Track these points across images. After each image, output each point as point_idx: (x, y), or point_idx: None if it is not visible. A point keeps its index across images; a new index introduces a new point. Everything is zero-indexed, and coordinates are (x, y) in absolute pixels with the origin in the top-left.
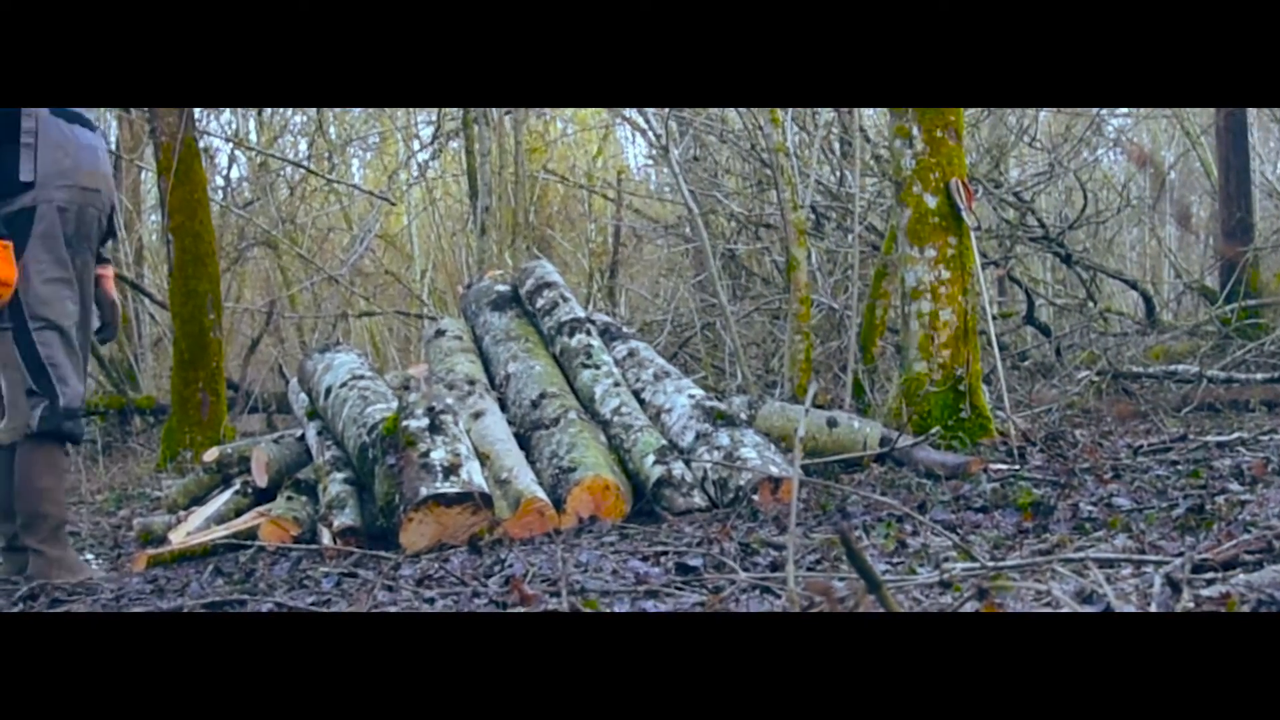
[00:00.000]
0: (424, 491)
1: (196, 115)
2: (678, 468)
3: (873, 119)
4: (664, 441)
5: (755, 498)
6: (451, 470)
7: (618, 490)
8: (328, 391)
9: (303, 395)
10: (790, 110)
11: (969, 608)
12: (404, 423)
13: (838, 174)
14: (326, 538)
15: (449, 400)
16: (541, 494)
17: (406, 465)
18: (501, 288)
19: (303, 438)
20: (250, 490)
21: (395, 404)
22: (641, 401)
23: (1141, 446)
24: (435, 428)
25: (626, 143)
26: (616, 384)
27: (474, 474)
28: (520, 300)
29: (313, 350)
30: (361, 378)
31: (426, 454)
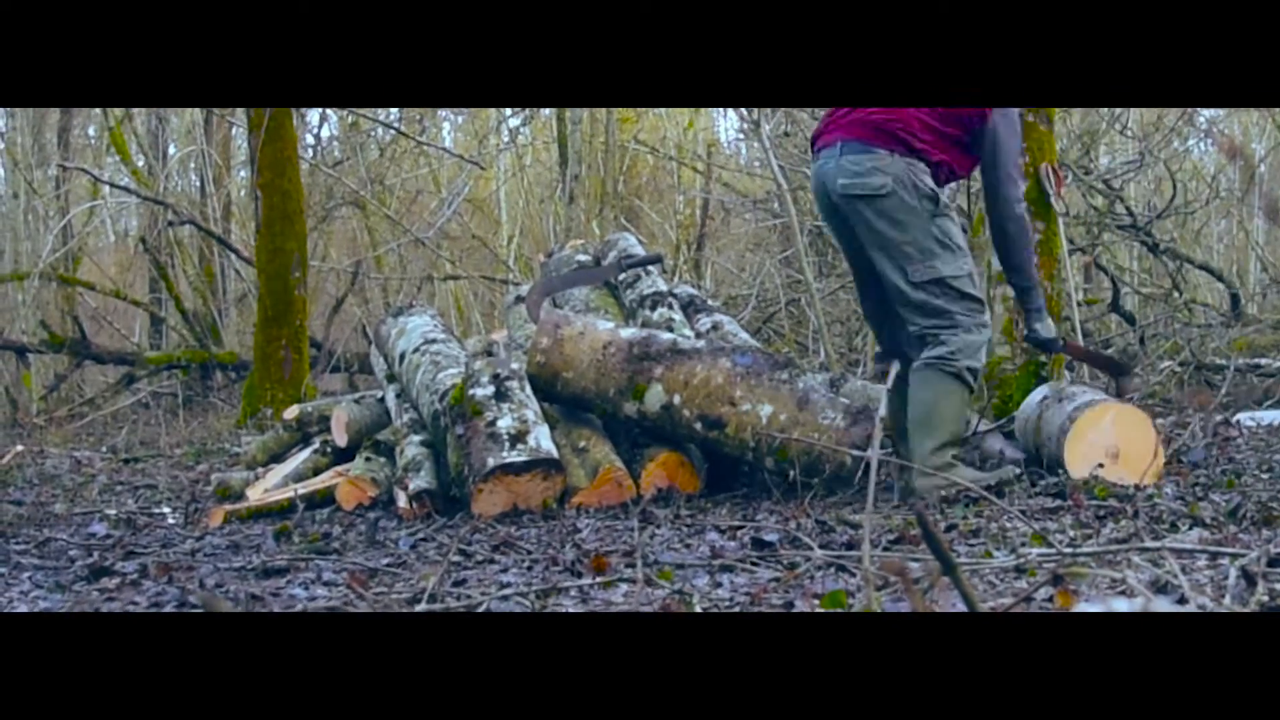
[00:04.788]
0: (491, 462)
1: None
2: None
3: None
4: None
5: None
6: (519, 438)
7: (693, 466)
8: (402, 357)
9: (381, 358)
10: None
11: (1043, 593)
12: (470, 391)
13: None
14: (402, 500)
15: (515, 366)
16: (619, 463)
17: (474, 435)
18: (583, 257)
19: (383, 399)
20: (330, 449)
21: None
22: None
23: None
24: (501, 395)
25: (718, 116)
26: None
27: (542, 439)
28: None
29: (387, 315)
30: (434, 341)
31: (493, 422)
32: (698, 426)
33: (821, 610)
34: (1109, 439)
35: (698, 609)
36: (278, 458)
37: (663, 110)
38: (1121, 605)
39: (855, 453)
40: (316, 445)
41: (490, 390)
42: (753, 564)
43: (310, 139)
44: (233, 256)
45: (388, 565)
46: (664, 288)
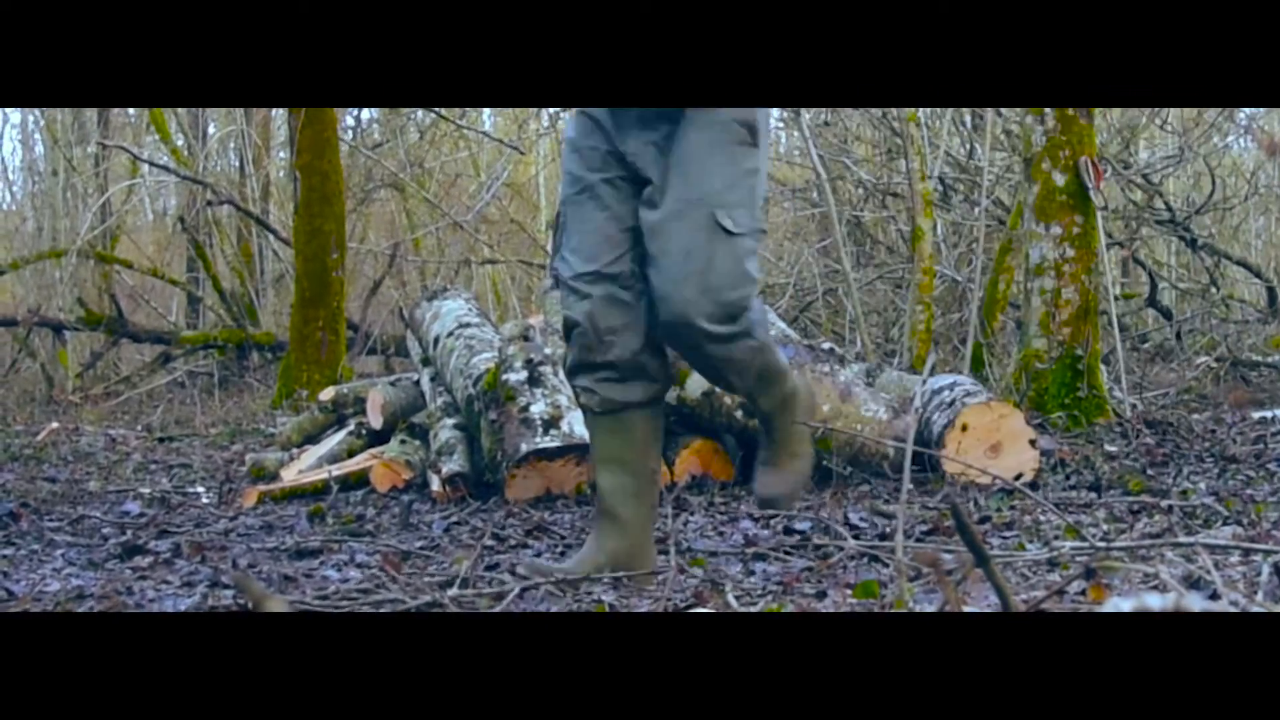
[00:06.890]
0: (524, 448)
1: None
2: None
3: None
4: None
5: None
6: (552, 423)
7: (727, 454)
8: (436, 341)
9: (416, 341)
10: None
11: (1076, 587)
12: (503, 376)
13: (967, 146)
14: (435, 484)
15: (548, 350)
16: None
17: (507, 421)
18: None
19: (419, 382)
20: (364, 431)
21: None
22: None
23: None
24: (534, 380)
25: None
26: None
27: (575, 424)
28: None
29: (421, 298)
30: (468, 325)
31: (526, 408)
32: (739, 414)
33: (852, 603)
34: (992, 434)
35: (730, 597)
36: (313, 439)
37: None
38: (1154, 600)
39: (897, 444)
40: (351, 427)
41: (523, 375)
42: (786, 553)
43: (350, 121)
44: (271, 237)
45: (421, 548)
46: None
